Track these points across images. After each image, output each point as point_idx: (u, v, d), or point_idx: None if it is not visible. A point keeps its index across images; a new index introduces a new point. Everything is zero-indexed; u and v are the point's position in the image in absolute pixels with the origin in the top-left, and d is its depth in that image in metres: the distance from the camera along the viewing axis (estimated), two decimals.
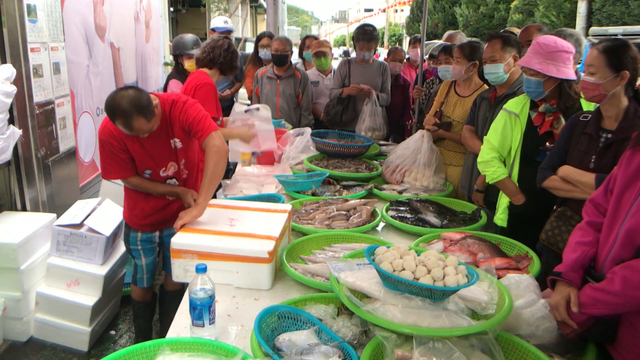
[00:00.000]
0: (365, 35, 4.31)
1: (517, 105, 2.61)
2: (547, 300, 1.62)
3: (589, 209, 1.73)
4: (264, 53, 5.10)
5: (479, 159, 2.75)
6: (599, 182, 1.96)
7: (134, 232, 2.74)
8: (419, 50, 4.76)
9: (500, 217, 2.69)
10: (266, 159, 3.65)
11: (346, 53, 14.76)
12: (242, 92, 6.47)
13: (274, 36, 5.25)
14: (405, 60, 6.12)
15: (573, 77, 2.42)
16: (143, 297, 2.93)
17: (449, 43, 4.40)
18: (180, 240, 2.02)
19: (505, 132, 2.63)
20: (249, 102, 5.41)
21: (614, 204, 1.58)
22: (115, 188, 3.55)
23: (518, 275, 1.77)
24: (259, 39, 5.31)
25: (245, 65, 5.55)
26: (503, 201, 2.69)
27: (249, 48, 11.54)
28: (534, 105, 2.54)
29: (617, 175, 1.61)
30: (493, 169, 2.65)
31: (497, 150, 2.67)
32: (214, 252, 1.96)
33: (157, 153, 2.51)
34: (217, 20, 5.82)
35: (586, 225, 1.70)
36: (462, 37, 4.70)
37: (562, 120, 2.44)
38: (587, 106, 2.47)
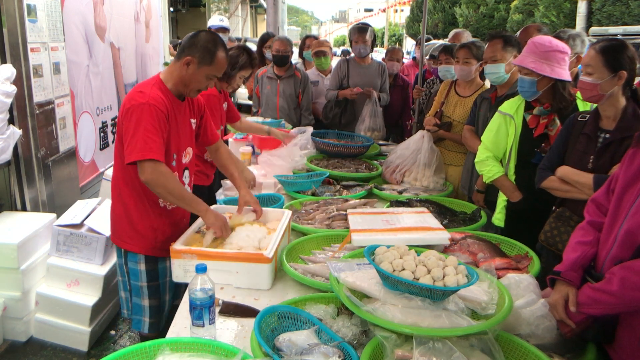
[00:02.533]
0: (357, 27, 4.32)
1: (511, 106, 2.61)
2: (546, 299, 1.63)
3: (591, 209, 1.73)
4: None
5: (475, 160, 2.76)
6: (597, 183, 1.96)
7: (162, 261, 2.32)
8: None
9: (498, 217, 2.70)
10: (272, 144, 3.65)
11: (345, 52, 14.69)
12: (243, 91, 6.48)
13: None
14: (411, 59, 6.11)
15: (567, 77, 2.42)
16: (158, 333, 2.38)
17: (453, 42, 4.39)
18: (361, 237, 2.14)
19: (499, 134, 2.63)
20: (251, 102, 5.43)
21: (615, 203, 1.58)
22: None
23: (518, 275, 1.77)
24: (264, 40, 5.30)
25: None
26: (500, 201, 2.70)
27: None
28: (529, 107, 2.55)
29: (618, 175, 1.62)
30: (488, 168, 2.66)
31: (492, 151, 2.67)
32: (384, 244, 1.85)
33: (183, 132, 2.29)
34: (213, 19, 5.89)
35: (587, 225, 1.70)
36: (468, 36, 4.67)
37: (557, 122, 2.45)
38: (583, 107, 2.47)
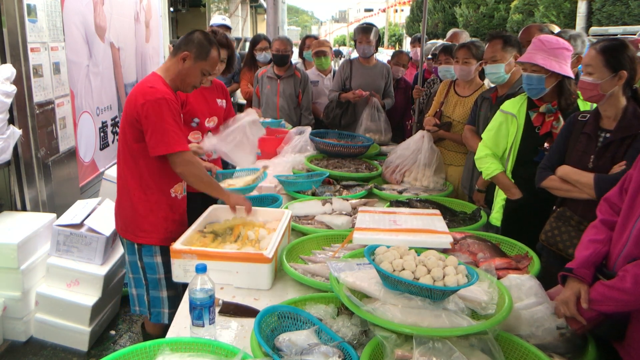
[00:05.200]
0: (362, 27, 4.31)
1: (514, 105, 2.61)
2: (554, 300, 1.62)
3: (603, 208, 1.73)
4: (262, 56, 5.11)
5: (475, 157, 2.77)
6: (597, 182, 1.96)
7: None
8: (419, 50, 4.73)
9: (495, 217, 2.70)
10: (268, 154, 3.65)
11: (337, 53, 14.30)
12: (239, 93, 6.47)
13: (269, 39, 5.26)
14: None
15: (572, 75, 2.43)
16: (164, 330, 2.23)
17: (452, 42, 4.39)
18: (361, 236, 2.14)
19: (500, 133, 2.63)
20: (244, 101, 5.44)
21: (628, 203, 1.58)
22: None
23: (520, 277, 1.76)
24: (255, 42, 5.31)
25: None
26: (498, 200, 2.70)
27: None
28: (533, 106, 2.54)
29: (632, 175, 1.62)
30: (487, 165, 2.67)
31: (492, 149, 2.68)
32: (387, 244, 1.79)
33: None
34: (216, 18, 5.93)
35: (599, 224, 1.70)
36: (466, 36, 4.66)
37: (562, 120, 2.45)
38: (584, 106, 2.47)
